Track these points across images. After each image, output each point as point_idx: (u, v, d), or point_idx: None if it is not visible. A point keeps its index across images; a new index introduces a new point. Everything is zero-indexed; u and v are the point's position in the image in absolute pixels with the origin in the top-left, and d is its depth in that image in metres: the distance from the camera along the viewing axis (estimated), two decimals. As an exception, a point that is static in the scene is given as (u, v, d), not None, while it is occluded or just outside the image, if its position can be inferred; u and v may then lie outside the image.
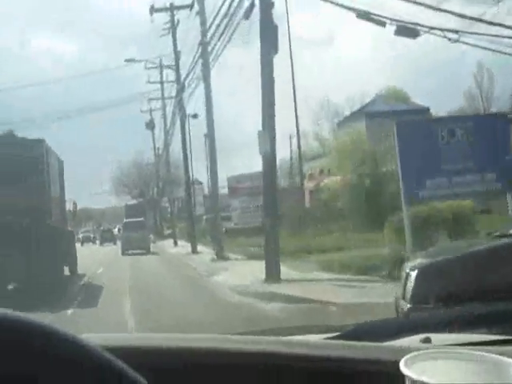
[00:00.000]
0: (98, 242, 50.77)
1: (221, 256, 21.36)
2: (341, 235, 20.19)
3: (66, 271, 17.11)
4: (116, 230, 50.95)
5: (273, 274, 12.87)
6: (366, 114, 36.93)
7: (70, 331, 0.57)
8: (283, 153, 43.12)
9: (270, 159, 13.66)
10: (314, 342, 1.18)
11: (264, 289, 11.86)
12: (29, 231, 13.99)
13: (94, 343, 0.58)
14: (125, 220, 37.00)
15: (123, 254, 30.93)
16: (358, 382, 1.02)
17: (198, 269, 18.76)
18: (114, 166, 63.37)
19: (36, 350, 0.50)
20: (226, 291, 12.51)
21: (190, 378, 0.93)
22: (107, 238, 47.76)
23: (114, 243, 43.47)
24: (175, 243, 36.82)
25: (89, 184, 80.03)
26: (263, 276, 12.97)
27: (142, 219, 36.38)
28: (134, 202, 53.41)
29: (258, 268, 13.61)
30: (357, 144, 26.16)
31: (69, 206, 21.17)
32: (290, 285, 12.06)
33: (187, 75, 26.49)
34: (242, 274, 14.98)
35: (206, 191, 42.35)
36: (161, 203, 55.84)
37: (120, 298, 12.12)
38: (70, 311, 10.75)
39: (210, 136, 24.83)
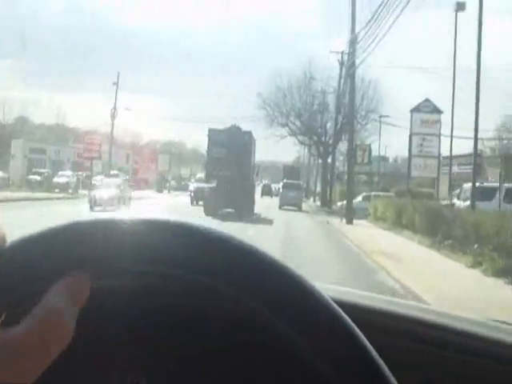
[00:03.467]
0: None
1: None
2: None
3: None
4: (273, 186, 61.12)
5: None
6: None
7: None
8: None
9: None
10: None
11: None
12: (242, 184, 26.93)
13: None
14: (284, 180, 46.54)
15: (280, 208, 40.38)
16: None
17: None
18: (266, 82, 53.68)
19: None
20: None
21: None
22: (266, 191, 58.04)
23: (271, 196, 53.51)
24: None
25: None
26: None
27: (299, 182, 46.47)
28: (290, 164, 63.39)
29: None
30: None
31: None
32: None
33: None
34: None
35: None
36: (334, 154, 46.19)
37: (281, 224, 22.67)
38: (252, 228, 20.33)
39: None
